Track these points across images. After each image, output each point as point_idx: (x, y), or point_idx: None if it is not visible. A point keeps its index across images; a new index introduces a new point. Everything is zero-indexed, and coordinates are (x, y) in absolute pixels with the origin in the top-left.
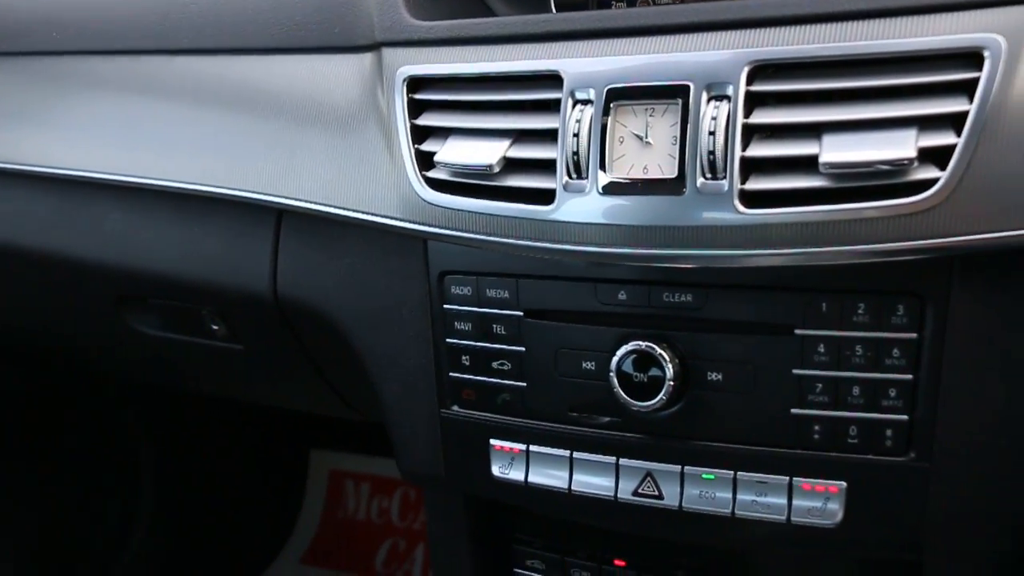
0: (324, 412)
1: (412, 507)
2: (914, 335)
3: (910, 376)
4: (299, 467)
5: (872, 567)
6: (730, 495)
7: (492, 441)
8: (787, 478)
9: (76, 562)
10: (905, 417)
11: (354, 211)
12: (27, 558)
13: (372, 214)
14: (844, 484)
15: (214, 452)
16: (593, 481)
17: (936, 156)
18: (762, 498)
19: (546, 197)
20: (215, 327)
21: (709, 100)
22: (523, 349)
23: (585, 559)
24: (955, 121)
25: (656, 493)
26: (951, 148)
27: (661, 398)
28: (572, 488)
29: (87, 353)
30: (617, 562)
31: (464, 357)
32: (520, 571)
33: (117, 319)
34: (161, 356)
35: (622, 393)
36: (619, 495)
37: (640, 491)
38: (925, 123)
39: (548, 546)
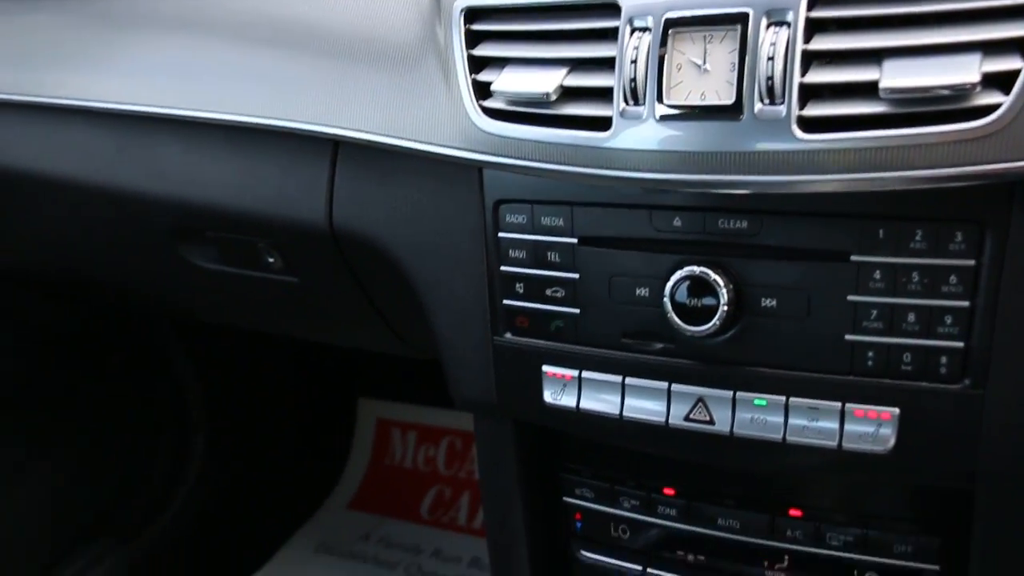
0: (377, 348)
1: (458, 456)
2: (972, 262)
3: (967, 303)
4: (347, 415)
5: (922, 496)
6: (781, 420)
7: (544, 368)
8: (839, 404)
9: (132, 496)
10: (960, 344)
11: (411, 141)
12: (82, 492)
13: (429, 143)
14: (897, 411)
15: (264, 398)
16: (644, 406)
17: (999, 81)
18: (813, 423)
19: (602, 124)
20: (271, 260)
21: (768, 26)
22: (577, 276)
23: (634, 487)
24: (1021, 46)
25: (707, 419)
26: (1016, 73)
27: (715, 323)
28: (623, 414)
29: (142, 289)
30: (666, 490)
31: (518, 284)
32: (569, 500)
33: (174, 253)
34: (216, 290)
35: (676, 319)
36: (670, 420)
37: (691, 416)
38: (990, 48)
39: (597, 475)
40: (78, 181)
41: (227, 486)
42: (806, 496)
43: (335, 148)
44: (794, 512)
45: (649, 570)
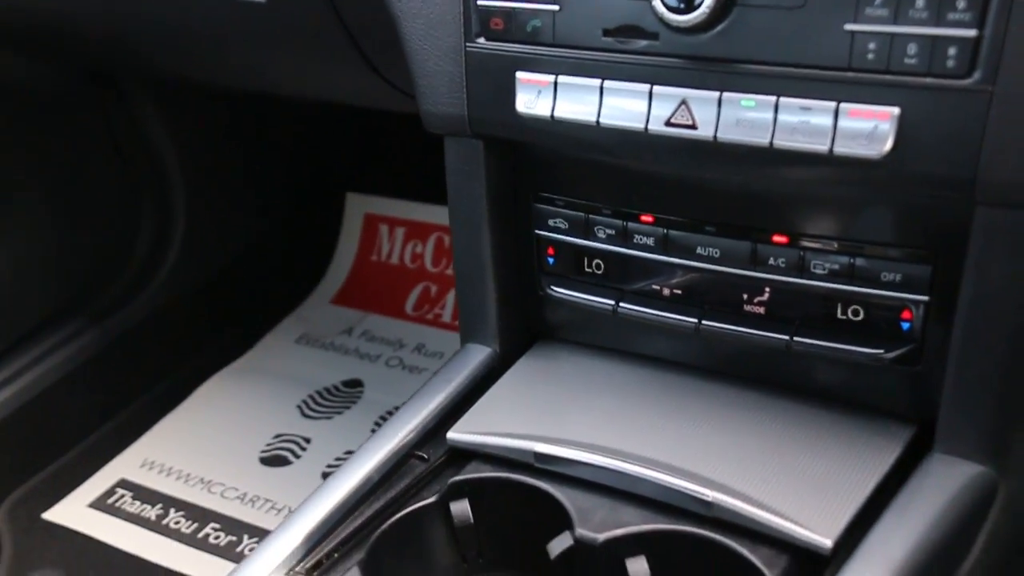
0: (351, 98)
1: (446, 252)
2: None
3: None
4: (335, 209)
5: (914, 222)
6: (770, 120)
7: (518, 74)
8: (834, 104)
9: (111, 275)
10: (972, 33)
11: None
12: (59, 266)
13: None
14: (896, 111)
15: (251, 186)
16: (623, 110)
17: None
18: (805, 123)
19: None
20: None
21: None
22: None
23: (610, 216)
24: None
25: (690, 122)
26: None
27: (704, 11)
28: (600, 120)
29: (99, 31)
30: (644, 218)
31: None
32: (541, 232)
33: None
34: (175, 24)
35: (661, 6)
36: (650, 126)
37: (673, 120)
38: None
39: (571, 205)
40: None
41: (208, 273)
42: (791, 222)
43: None
44: (778, 238)
45: (622, 305)
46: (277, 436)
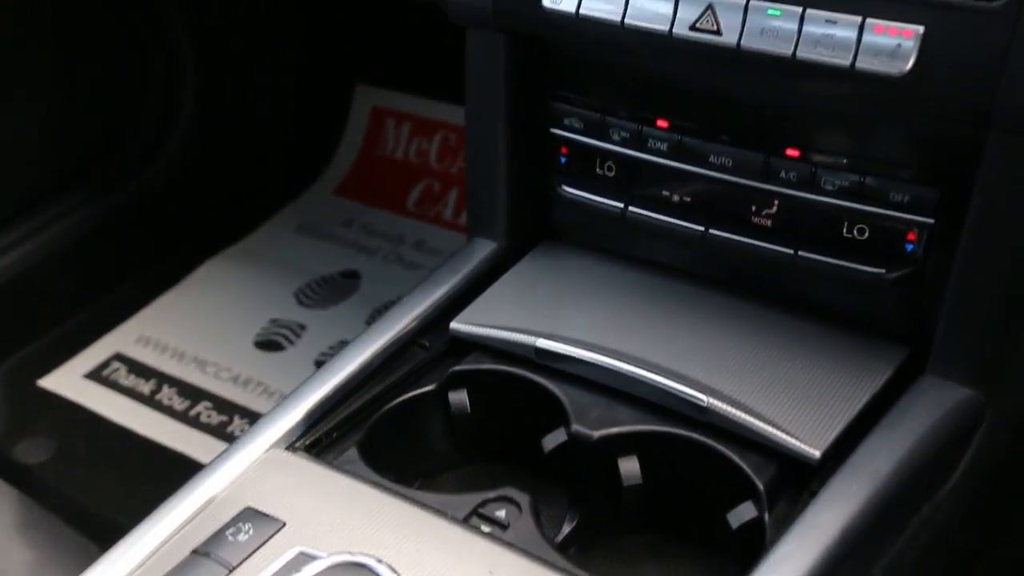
0: None
1: (451, 150)
2: None
3: None
4: (343, 99)
5: (927, 144)
6: (795, 29)
7: None
8: (859, 17)
9: (117, 149)
10: None
11: None
12: (66, 137)
13: None
14: (921, 29)
15: (259, 73)
16: (649, 9)
17: None
18: (829, 36)
19: None
20: None
21: None
22: None
23: (626, 119)
24: None
25: (714, 28)
26: None
27: None
28: (625, 20)
29: None
30: (659, 123)
31: None
32: (556, 131)
33: None
34: None
35: None
36: (675, 29)
37: (698, 25)
38: None
39: (588, 105)
40: None
41: (213, 152)
42: (806, 136)
43: None
44: (791, 152)
45: (631, 208)
46: (272, 321)
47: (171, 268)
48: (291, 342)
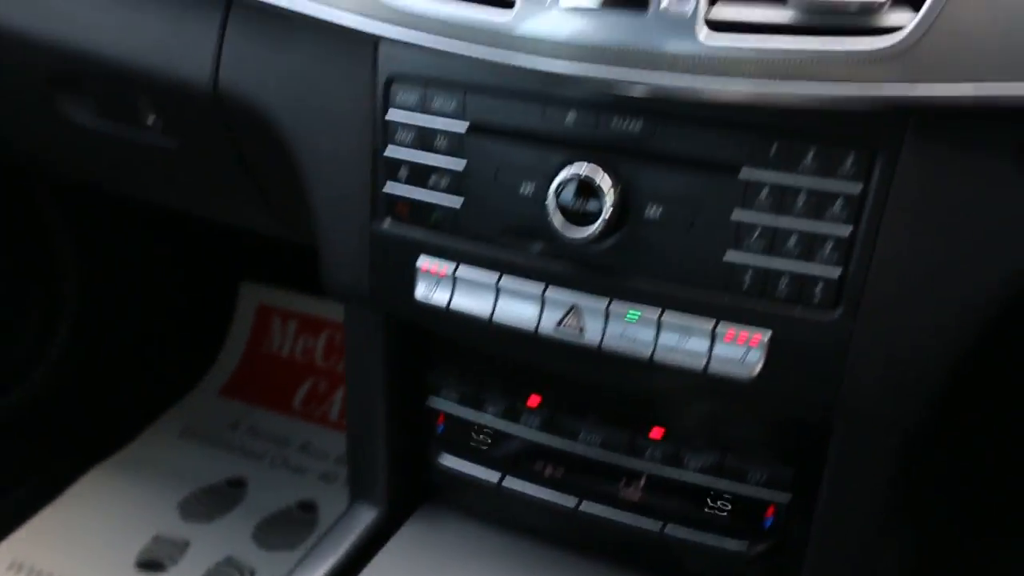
0: (251, 225)
1: (337, 349)
2: (860, 186)
3: (849, 229)
4: (228, 298)
5: (781, 427)
6: (652, 336)
7: (419, 262)
8: (712, 322)
9: None
10: (838, 271)
11: (306, 4)
12: None
13: (325, 6)
14: (768, 333)
15: (142, 273)
16: (516, 311)
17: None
18: (683, 344)
19: (506, 2)
20: (150, 120)
21: None
22: (463, 164)
23: (500, 394)
24: None
25: (578, 328)
26: None
27: (597, 228)
28: (494, 317)
29: (16, 144)
30: (531, 399)
31: (402, 169)
32: (433, 403)
33: (50, 105)
34: (92, 150)
35: (558, 219)
36: (540, 328)
37: (563, 325)
38: None
39: (463, 378)
40: None
41: (93, 362)
42: (670, 418)
43: (228, 5)
44: (656, 432)
45: (506, 480)
46: (155, 539)
47: (48, 482)
48: (175, 561)
